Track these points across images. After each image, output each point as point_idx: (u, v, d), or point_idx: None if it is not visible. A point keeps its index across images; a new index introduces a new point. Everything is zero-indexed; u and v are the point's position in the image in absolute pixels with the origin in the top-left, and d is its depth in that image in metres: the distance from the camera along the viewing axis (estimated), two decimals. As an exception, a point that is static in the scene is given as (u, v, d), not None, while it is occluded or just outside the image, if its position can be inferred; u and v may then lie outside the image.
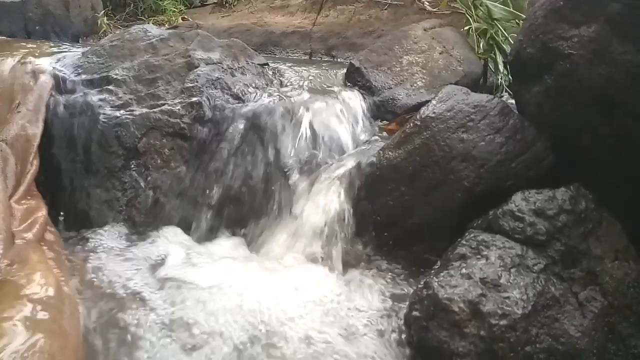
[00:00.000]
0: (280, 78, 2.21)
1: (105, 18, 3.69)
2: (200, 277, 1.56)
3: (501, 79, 2.38)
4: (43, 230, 1.62)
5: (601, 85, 1.43)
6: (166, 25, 3.81)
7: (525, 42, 1.63)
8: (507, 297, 1.26)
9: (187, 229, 1.85)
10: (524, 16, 2.18)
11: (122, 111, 1.94)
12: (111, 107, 1.95)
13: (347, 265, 1.67)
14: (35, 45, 2.52)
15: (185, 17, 3.92)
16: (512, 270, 1.31)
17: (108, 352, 1.26)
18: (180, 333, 1.33)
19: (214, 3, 4.04)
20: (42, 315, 1.19)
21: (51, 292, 1.26)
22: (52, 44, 2.68)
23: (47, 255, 1.51)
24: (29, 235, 1.55)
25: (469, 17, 2.56)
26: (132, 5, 4.12)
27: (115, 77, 2.02)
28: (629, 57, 1.37)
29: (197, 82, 1.97)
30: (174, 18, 3.88)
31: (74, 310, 1.30)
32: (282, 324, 1.38)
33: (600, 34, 1.41)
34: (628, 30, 1.36)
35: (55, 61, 2.10)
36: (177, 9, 3.95)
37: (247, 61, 2.17)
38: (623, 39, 1.38)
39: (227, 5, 3.94)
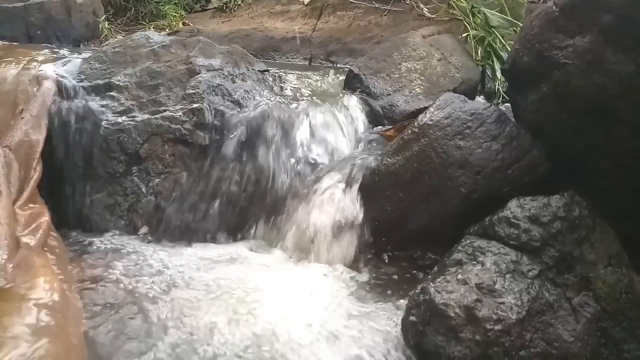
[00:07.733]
0: (281, 84, 2.24)
1: (107, 22, 3.71)
2: (201, 280, 1.59)
3: (498, 85, 2.42)
4: (46, 235, 1.64)
5: (595, 94, 1.46)
6: (167, 30, 3.83)
7: (521, 51, 1.65)
8: (502, 303, 1.28)
9: (187, 234, 1.87)
10: (521, 24, 2.21)
11: (124, 117, 1.96)
12: (113, 113, 1.97)
13: (344, 269, 1.69)
14: (37, 51, 2.54)
15: (186, 22, 3.94)
16: (507, 276, 1.34)
17: (110, 356, 1.28)
18: (181, 335, 1.35)
19: (215, 8, 4.07)
20: (47, 319, 1.21)
21: (56, 297, 1.29)
22: (54, 49, 2.70)
23: (50, 260, 1.53)
24: (33, 240, 1.57)
25: (467, 24, 2.59)
26: (133, 10, 4.15)
27: (117, 83, 2.04)
28: (622, 67, 1.40)
29: (198, 88, 1.99)
30: (174, 23, 3.90)
31: (78, 314, 1.33)
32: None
33: (594, 44, 1.44)
34: (620, 41, 1.40)
35: (58, 67, 2.13)
36: (177, 13, 3.97)
37: (247, 68, 2.20)
38: (616, 50, 1.41)
39: (227, 10, 3.97)
